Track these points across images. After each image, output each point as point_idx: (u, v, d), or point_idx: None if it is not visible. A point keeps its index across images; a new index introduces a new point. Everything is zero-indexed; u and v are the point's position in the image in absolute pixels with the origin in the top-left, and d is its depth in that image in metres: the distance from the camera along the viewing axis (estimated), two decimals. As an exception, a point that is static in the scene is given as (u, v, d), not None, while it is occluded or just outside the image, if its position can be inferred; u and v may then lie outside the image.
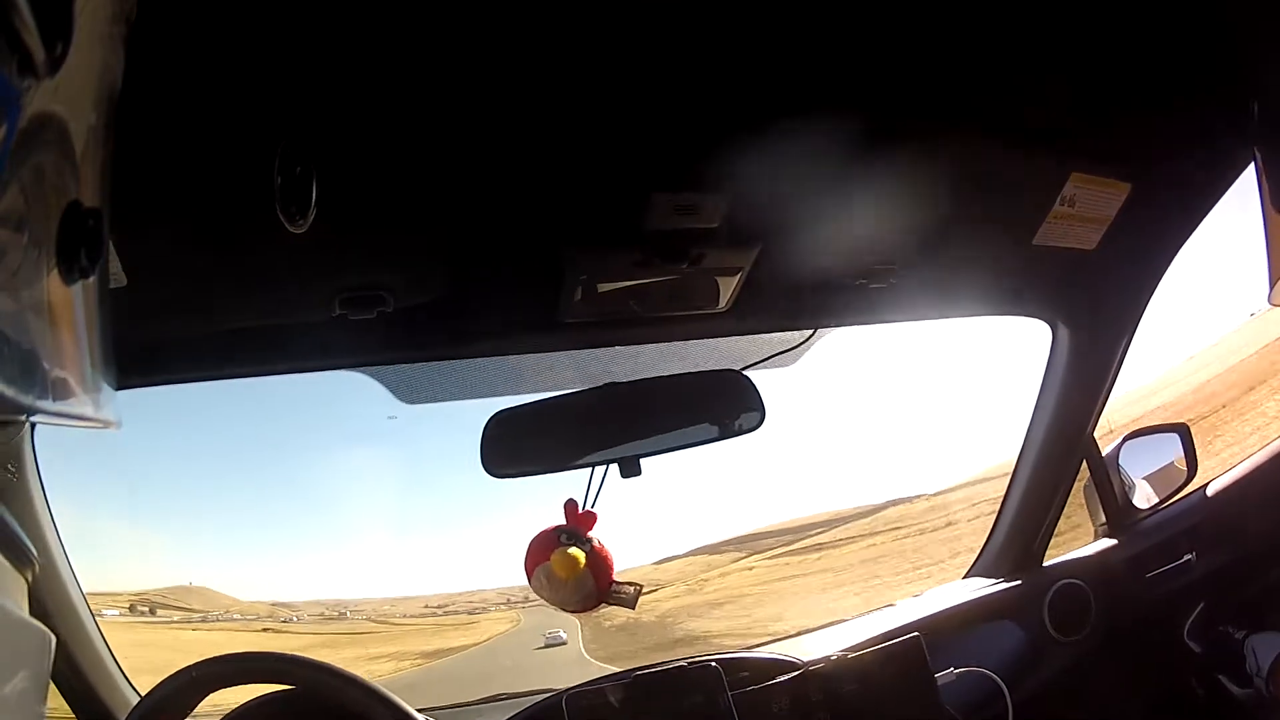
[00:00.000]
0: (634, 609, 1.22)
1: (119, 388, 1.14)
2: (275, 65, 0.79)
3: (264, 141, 0.82)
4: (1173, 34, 1.00)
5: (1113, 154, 1.20)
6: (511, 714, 1.31)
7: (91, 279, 0.36)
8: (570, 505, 1.23)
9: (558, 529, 1.23)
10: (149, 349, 1.13)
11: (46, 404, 0.33)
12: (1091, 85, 1.07)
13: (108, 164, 0.42)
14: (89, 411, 0.38)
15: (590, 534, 1.22)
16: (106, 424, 0.40)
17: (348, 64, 0.80)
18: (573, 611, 1.25)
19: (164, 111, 0.81)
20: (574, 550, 1.19)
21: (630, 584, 1.22)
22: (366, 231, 1.01)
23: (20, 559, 1.08)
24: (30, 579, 1.12)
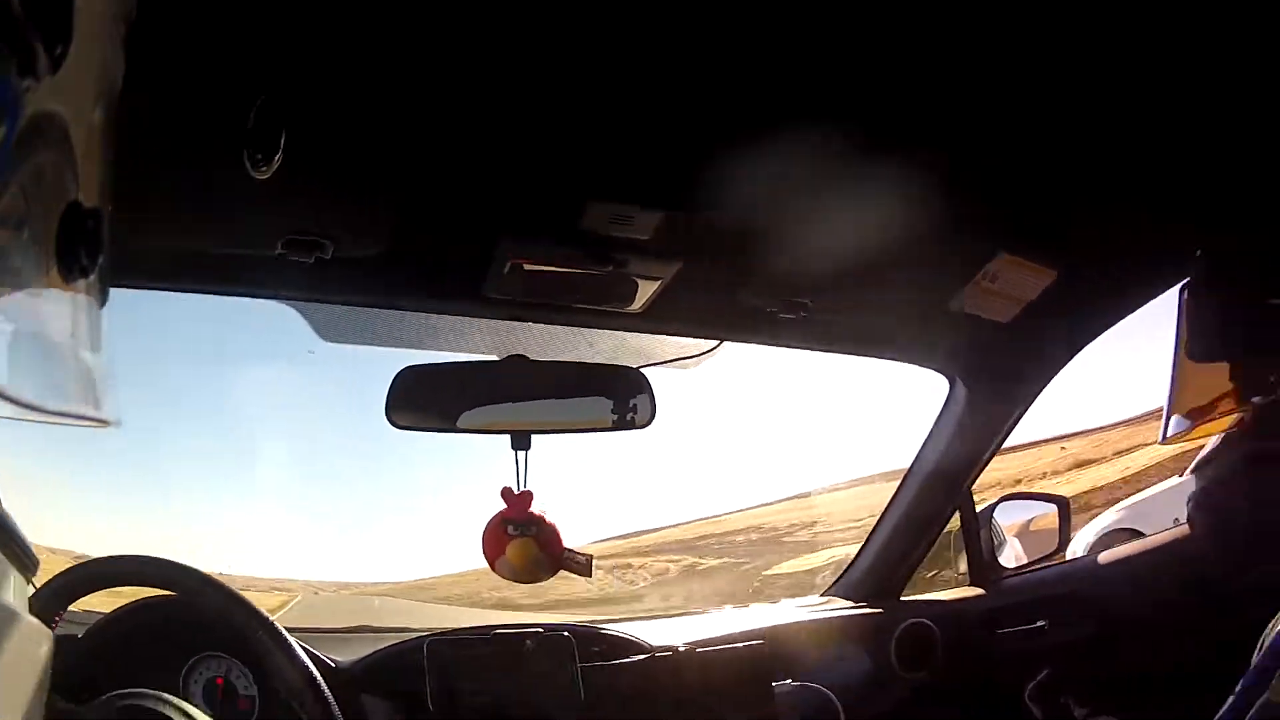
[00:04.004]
0: (589, 576, 1.30)
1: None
2: (268, 23, 0.81)
3: (245, 91, 0.85)
4: (1140, 154, 1.04)
5: (1046, 239, 1.23)
6: (375, 647, 1.37)
7: (91, 278, 0.37)
8: (506, 491, 1.29)
9: (502, 519, 1.28)
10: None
11: (46, 403, 0.33)
12: (1041, 173, 1.08)
13: (108, 164, 0.42)
14: (89, 411, 0.38)
15: (532, 510, 1.28)
16: (106, 423, 0.40)
17: (335, 29, 0.84)
18: (537, 582, 1.33)
19: (156, 46, 0.81)
20: (523, 539, 1.26)
21: (581, 554, 1.29)
22: (322, 184, 1.05)
23: (20, 559, 1.09)
24: (30, 579, 1.13)
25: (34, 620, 0.99)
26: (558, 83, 0.92)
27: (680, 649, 1.41)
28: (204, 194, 1.04)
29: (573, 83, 0.92)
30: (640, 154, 1.03)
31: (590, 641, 1.38)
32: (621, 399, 1.29)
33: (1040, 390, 1.61)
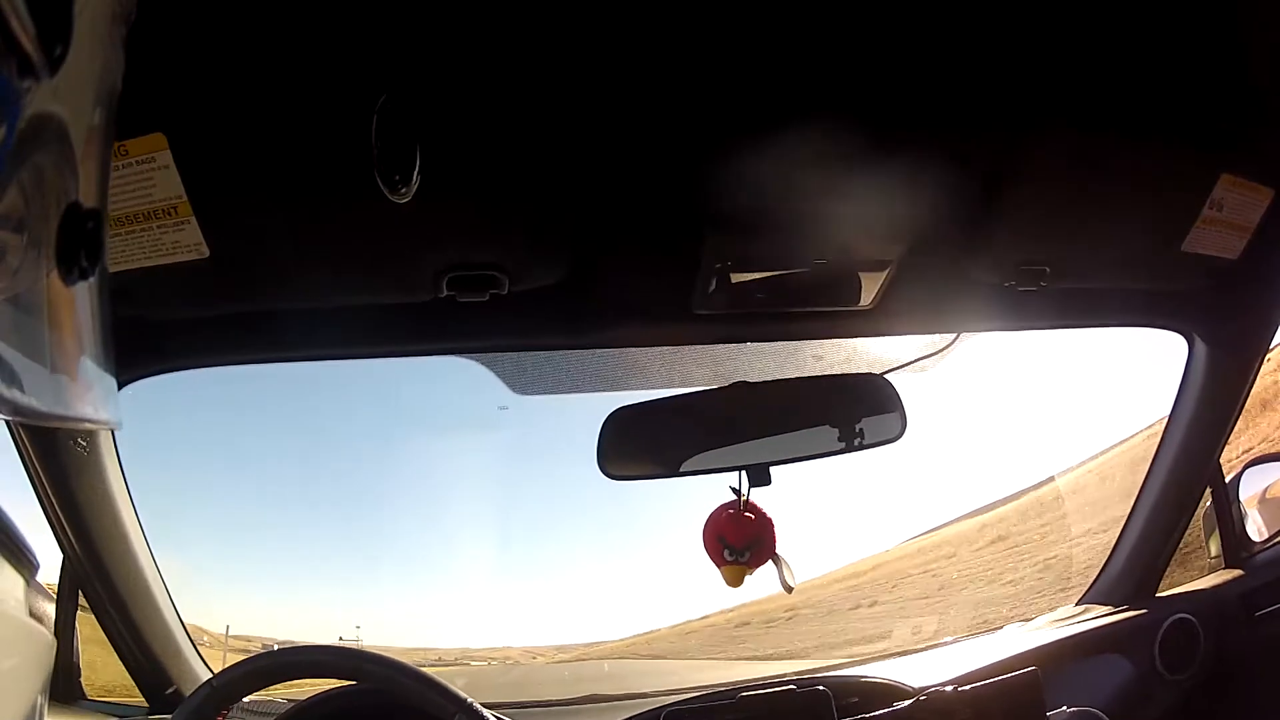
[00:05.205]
0: (789, 593, 1.20)
1: (196, 365, 1.10)
2: (374, 12, 0.71)
3: (361, 99, 0.74)
4: None
5: (1258, 158, 1.14)
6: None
7: (91, 279, 0.37)
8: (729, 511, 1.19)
9: (719, 537, 1.17)
10: (229, 326, 1.06)
11: (45, 405, 0.33)
12: (1243, 84, 1.01)
13: (108, 165, 0.42)
14: (89, 412, 0.37)
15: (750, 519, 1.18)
16: (106, 424, 0.40)
17: (461, 11, 0.72)
18: None
19: (251, 65, 0.74)
20: (737, 567, 1.17)
21: (789, 578, 1.19)
22: (479, 205, 0.92)
23: (20, 559, 1.04)
24: (30, 579, 1.08)
25: (32, 622, 0.92)
26: (740, 44, 0.80)
27: (946, 689, 1.23)
28: (342, 234, 0.93)
29: (752, 46, 0.81)
30: (845, 121, 0.90)
31: (847, 692, 1.22)
32: (866, 412, 1.13)
33: (1275, 332, 1.44)
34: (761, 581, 1.23)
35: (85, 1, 0.33)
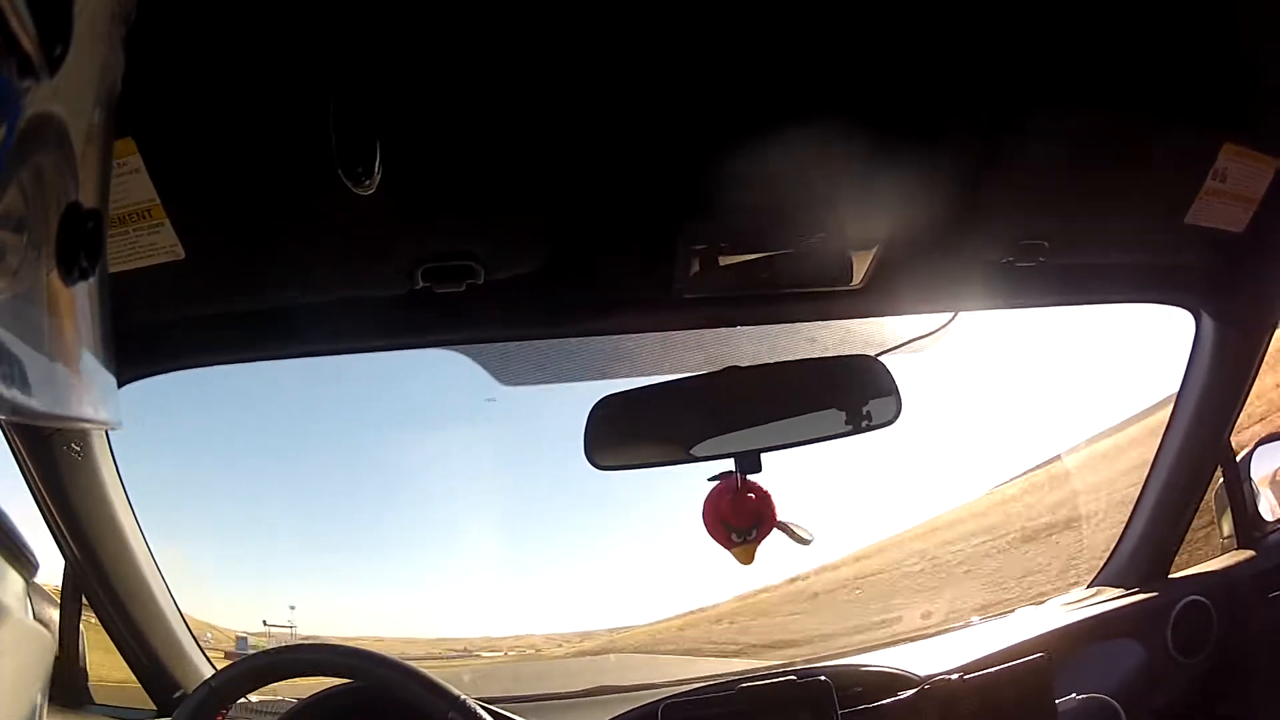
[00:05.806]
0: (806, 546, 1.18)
1: (178, 368, 1.09)
2: (328, 7, 0.71)
3: (317, 94, 0.74)
4: None
5: (1264, 128, 1.11)
6: (610, 712, 1.21)
7: (91, 279, 0.37)
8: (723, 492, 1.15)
9: (723, 520, 1.14)
10: (211, 326, 1.06)
11: (45, 405, 0.33)
12: (1244, 53, 0.98)
13: (108, 165, 0.42)
14: (89, 412, 0.38)
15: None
16: (106, 424, 0.40)
17: (414, 2, 0.72)
18: None
19: (210, 67, 0.75)
20: (746, 546, 1.14)
21: (803, 530, 1.16)
22: (446, 195, 0.92)
23: (20, 559, 1.04)
24: (30, 579, 1.08)
25: (32, 622, 0.92)
26: (713, 25, 0.79)
27: (952, 677, 1.21)
28: (313, 230, 0.93)
29: (728, 25, 0.79)
30: (823, 98, 0.89)
31: (851, 682, 1.20)
32: (860, 396, 1.10)
33: None
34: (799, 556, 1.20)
35: (85, 1, 0.33)
